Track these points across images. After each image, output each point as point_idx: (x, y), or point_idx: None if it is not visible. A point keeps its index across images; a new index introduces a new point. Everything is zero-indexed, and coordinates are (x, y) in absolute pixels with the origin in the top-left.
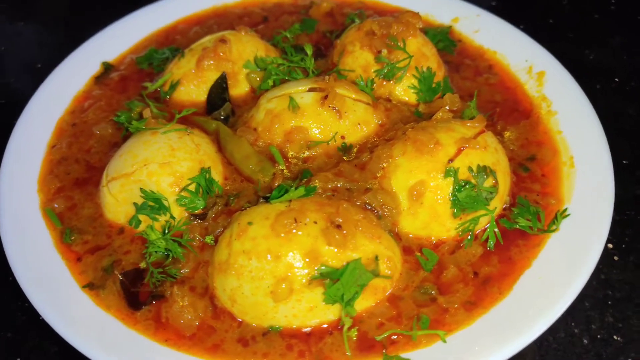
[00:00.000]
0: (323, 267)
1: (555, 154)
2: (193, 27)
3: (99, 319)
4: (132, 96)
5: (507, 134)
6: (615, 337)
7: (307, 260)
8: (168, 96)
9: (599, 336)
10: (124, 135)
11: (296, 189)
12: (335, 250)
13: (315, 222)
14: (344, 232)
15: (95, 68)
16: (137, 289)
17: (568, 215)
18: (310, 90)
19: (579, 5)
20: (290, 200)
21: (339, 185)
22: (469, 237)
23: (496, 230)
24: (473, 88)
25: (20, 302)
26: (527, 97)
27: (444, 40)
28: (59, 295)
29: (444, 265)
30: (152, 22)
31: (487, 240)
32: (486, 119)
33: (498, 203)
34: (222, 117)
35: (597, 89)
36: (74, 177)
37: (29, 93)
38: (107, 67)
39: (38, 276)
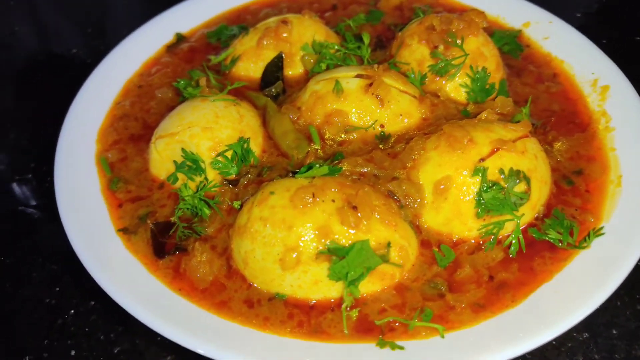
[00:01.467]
0: (332, 243)
1: (605, 171)
2: (264, 8)
3: (125, 260)
4: (197, 66)
5: (557, 145)
6: None
7: (318, 234)
8: (228, 70)
9: None
10: (181, 100)
11: (311, 165)
12: (347, 230)
13: (333, 201)
14: (359, 214)
15: (168, 37)
16: (165, 240)
17: (603, 234)
18: (358, 76)
19: None
20: (314, 177)
21: (366, 170)
22: (491, 240)
23: (520, 237)
24: (531, 95)
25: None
26: (587, 110)
27: (511, 43)
28: (95, 235)
29: (459, 264)
30: (227, 0)
31: (509, 246)
32: (538, 126)
33: (529, 211)
34: (272, 94)
35: None
36: (130, 133)
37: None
38: (180, 38)
39: (81, 215)
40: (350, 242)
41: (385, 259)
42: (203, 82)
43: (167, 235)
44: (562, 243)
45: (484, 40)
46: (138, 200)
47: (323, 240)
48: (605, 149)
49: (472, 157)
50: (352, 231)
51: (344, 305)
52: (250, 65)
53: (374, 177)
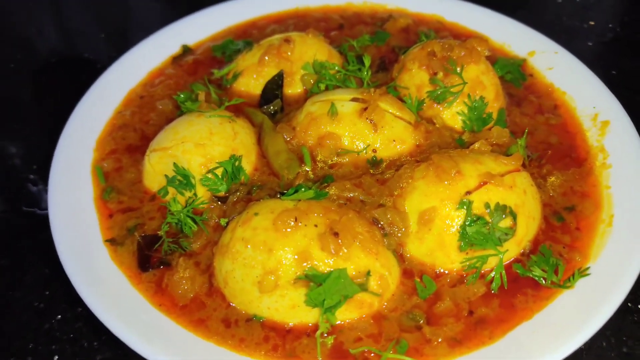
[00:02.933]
0: (310, 269)
1: (597, 209)
2: (271, 24)
3: (109, 272)
4: (199, 79)
5: (551, 179)
6: None
7: (297, 259)
8: (229, 85)
9: None
10: (179, 113)
11: (309, 189)
12: (327, 256)
13: (316, 226)
14: (340, 241)
15: (174, 49)
16: (150, 253)
17: (588, 274)
18: (353, 100)
19: None
20: (299, 200)
21: (353, 195)
22: (474, 275)
23: (503, 273)
24: (530, 125)
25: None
26: (585, 145)
27: (514, 72)
28: (82, 244)
29: (440, 297)
30: (234, 14)
31: (492, 280)
32: (534, 159)
33: (514, 246)
34: (270, 112)
35: None
36: (128, 143)
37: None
38: (186, 50)
39: (70, 223)
40: (329, 269)
41: (363, 287)
42: (202, 96)
43: (153, 248)
44: (546, 281)
45: (484, 68)
46: (128, 212)
47: (303, 265)
48: (600, 187)
49: (458, 189)
50: (331, 258)
51: (318, 332)
52: (251, 81)
53: (360, 202)
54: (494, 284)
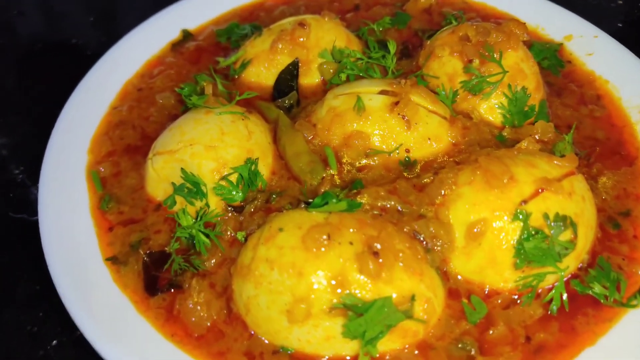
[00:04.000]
0: (348, 296)
1: None
2: (280, 5)
3: (111, 296)
4: (204, 69)
5: (602, 180)
6: None
7: (333, 284)
8: (237, 75)
9: None
10: (184, 109)
11: (340, 200)
12: (367, 279)
13: (351, 243)
14: (381, 260)
15: (174, 34)
16: (158, 273)
17: None
18: (382, 92)
19: None
20: (329, 213)
21: (389, 205)
22: (530, 294)
23: (563, 292)
24: (573, 119)
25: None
26: (634, 141)
27: (551, 58)
28: (79, 263)
29: (492, 321)
30: None
31: (550, 301)
32: (582, 157)
33: (572, 261)
34: (286, 106)
35: None
36: (127, 143)
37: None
38: (186, 35)
39: (65, 238)
40: (369, 294)
41: (408, 314)
42: (209, 89)
43: (162, 268)
44: (607, 299)
45: (523, 55)
46: (131, 224)
47: (339, 291)
48: None
49: (512, 197)
50: (371, 282)
51: None
52: (261, 70)
53: (397, 212)
54: (553, 305)
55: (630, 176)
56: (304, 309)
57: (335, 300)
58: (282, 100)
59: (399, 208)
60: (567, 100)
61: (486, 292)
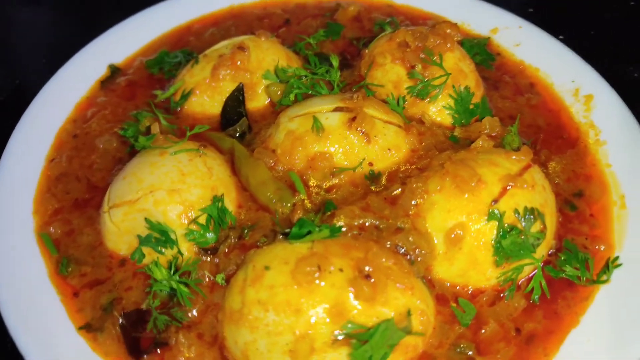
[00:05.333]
0: (350, 325)
1: (605, 190)
2: (209, 28)
3: None
4: (140, 104)
5: (551, 165)
6: None
7: (332, 315)
8: (179, 107)
9: None
10: (129, 150)
11: (319, 226)
12: (364, 304)
13: (341, 270)
14: (373, 280)
15: (101, 71)
16: (139, 334)
17: (620, 265)
18: (337, 109)
19: (622, 17)
20: (312, 241)
21: (366, 223)
22: (511, 288)
23: (543, 281)
24: (513, 109)
25: (7, 343)
26: (572, 123)
27: (482, 53)
28: (50, 337)
29: (482, 319)
30: (164, 21)
31: (531, 291)
32: (528, 146)
33: (544, 249)
34: (238, 134)
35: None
36: (74, 198)
37: (32, 92)
38: (114, 70)
39: (29, 314)
40: (368, 318)
41: (407, 330)
42: (156, 128)
43: (142, 327)
44: (580, 279)
45: (460, 55)
46: (97, 285)
47: (339, 321)
48: (600, 166)
49: (483, 199)
50: (368, 306)
51: None
52: (205, 99)
53: (375, 229)
54: (534, 295)
55: (576, 157)
56: (307, 345)
57: (337, 332)
58: (233, 129)
59: (376, 224)
60: (504, 92)
61: (470, 292)
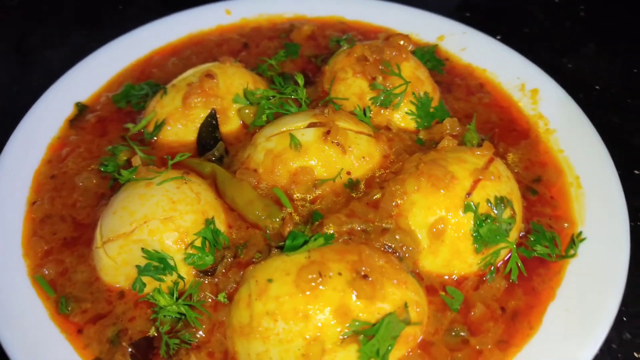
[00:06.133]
0: (356, 323)
1: (560, 174)
2: (169, 58)
3: None
4: (114, 139)
5: (510, 157)
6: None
7: (338, 317)
8: (153, 137)
9: None
10: (111, 185)
11: (312, 235)
12: (366, 302)
13: (340, 274)
14: (371, 280)
15: (68, 110)
16: None
17: (584, 239)
18: (310, 125)
19: (550, 14)
20: (308, 251)
21: (354, 228)
22: (491, 271)
23: (519, 262)
24: (468, 109)
25: None
26: (523, 116)
27: (432, 59)
28: None
29: (470, 303)
30: (124, 55)
31: (509, 272)
32: (486, 141)
33: (515, 233)
34: (216, 158)
35: (580, 98)
36: (62, 237)
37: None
38: (82, 108)
39: (36, 355)
40: (370, 315)
41: (407, 321)
42: (137, 160)
43: (152, 354)
44: (551, 256)
45: (415, 63)
46: (100, 320)
47: (345, 320)
48: (553, 152)
49: (458, 193)
50: (370, 303)
51: None
52: (179, 128)
53: (363, 232)
54: (512, 275)
55: (530, 147)
56: (318, 348)
57: (344, 331)
58: (211, 153)
59: (363, 228)
60: (457, 94)
61: (455, 280)
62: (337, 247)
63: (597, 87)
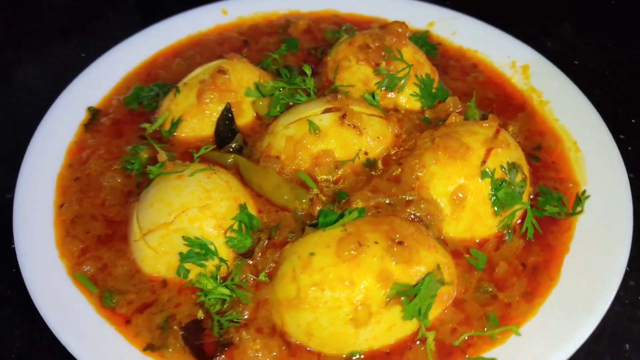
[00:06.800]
0: (398, 286)
1: (559, 141)
2: (173, 59)
3: None
4: (131, 139)
5: (510, 129)
6: None
7: (380, 281)
8: (170, 135)
9: None
10: (138, 182)
11: (342, 212)
12: (404, 266)
13: (376, 242)
14: (406, 245)
15: (81, 115)
16: (202, 341)
17: (588, 196)
18: (326, 111)
19: None
20: (343, 225)
21: (380, 201)
22: (509, 232)
23: (534, 221)
24: (465, 88)
25: None
26: (517, 91)
27: (425, 44)
28: None
29: (493, 262)
30: (129, 59)
31: (525, 232)
32: (486, 116)
33: (526, 196)
34: (237, 150)
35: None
36: (96, 235)
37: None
38: (94, 113)
39: (93, 349)
40: (409, 277)
41: (442, 281)
42: (163, 156)
43: (202, 334)
44: (560, 215)
45: (413, 48)
46: (146, 308)
47: (387, 284)
48: (550, 121)
49: (474, 162)
50: (408, 267)
51: (429, 340)
52: (195, 124)
53: (389, 206)
54: (529, 233)
55: (527, 118)
56: (365, 311)
57: (388, 292)
58: (230, 145)
59: (388, 202)
60: (453, 75)
61: (477, 242)
62: (368, 220)
63: (576, 62)
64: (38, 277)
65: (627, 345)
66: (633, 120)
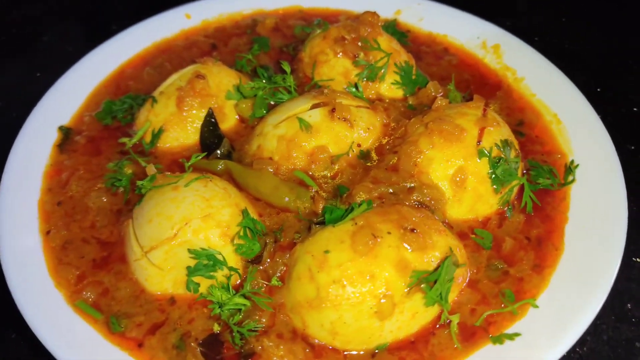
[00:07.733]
0: (418, 273)
1: (539, 115)
2: (142, 68)
3: None
4: (111, 156)
5: (491, 108)
6: None
7: (399, 270)
8: (153, 147)
9: None
10: (126, 199)
11: (346, 207)
12: (420, 253)
13: (389, 233)
14: (418, 232)
15: (53, 136)
16: (222, 355)
17: (577, 165)
18: (314, 106)
19: None
20: (353, 219)
21: (383, 192)
22: (509, 208)
23: (532, 195)
24: (441, 72)
25: None
26: (490, 70)
27: (395, 33)
28: None
29: (499, 239)
30: (95, 73)
31: (524, 207)
32: (466, 98)
33: (520, 171)
34: (225, 154)
35: None
36: (91, 259)
37: None
38: (66, 132)
39: None
40: (426, 264)
41: (457, 264)
42: (152, 169)
43: (221, 348)
44: (553, 186)
45: (387, 37)
46: (158, 329)
47: (406, 274)
48: (527, 97)
49: (470, 143)
50: (423, 253)
51: (453, 324)
52: (178, 132)
53: (392, 195)
54: (528, 207)
55: (505, 96)
56: (389, 303)
57: (409, 281)
58: (218, 151)
59: (391, 191)
60: (427, 60)
61: (480, 221)
62: (376, 211)
63: (536, 38)
64: (37, 312)
65: (629, 305)
66: (599, 89)
